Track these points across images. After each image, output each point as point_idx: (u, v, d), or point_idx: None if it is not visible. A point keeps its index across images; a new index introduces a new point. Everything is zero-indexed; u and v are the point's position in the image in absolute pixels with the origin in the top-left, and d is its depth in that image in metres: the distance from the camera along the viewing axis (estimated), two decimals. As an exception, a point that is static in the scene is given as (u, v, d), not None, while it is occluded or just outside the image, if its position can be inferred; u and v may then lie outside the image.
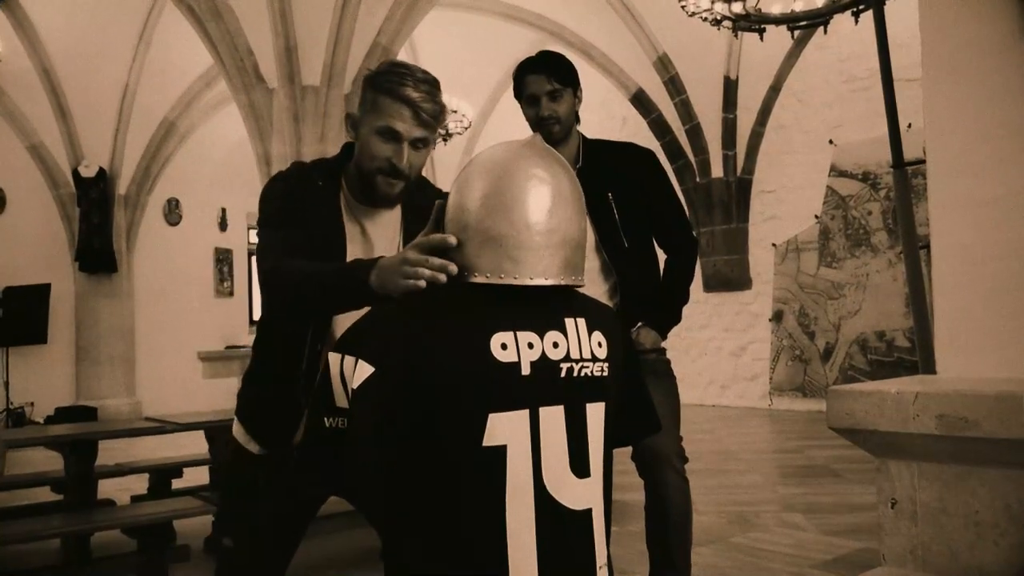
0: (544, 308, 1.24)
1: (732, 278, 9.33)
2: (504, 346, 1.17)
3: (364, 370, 1.14)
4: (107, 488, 4.59)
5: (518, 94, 2.34)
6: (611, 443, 1.30)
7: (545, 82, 2.26)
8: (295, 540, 1.79)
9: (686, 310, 2.40)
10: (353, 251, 1.69)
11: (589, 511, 1.22)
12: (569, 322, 1.24)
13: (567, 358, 1.21)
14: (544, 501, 1.17)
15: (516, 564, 1.14)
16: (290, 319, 1.64)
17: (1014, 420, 1.56)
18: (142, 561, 3.24)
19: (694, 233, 2.44)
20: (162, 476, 4.35)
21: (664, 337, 2.33)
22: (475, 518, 1.14)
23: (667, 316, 2.32)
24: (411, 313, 1.21)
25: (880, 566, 1.80)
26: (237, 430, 1.81)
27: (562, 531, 1.18)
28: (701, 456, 5.68)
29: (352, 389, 1.14)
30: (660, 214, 2.37)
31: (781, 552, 3.55)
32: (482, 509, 1.14)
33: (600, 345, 1.26)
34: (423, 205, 1.71)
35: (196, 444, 4.31)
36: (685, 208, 2.45)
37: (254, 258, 1.82)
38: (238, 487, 1.80)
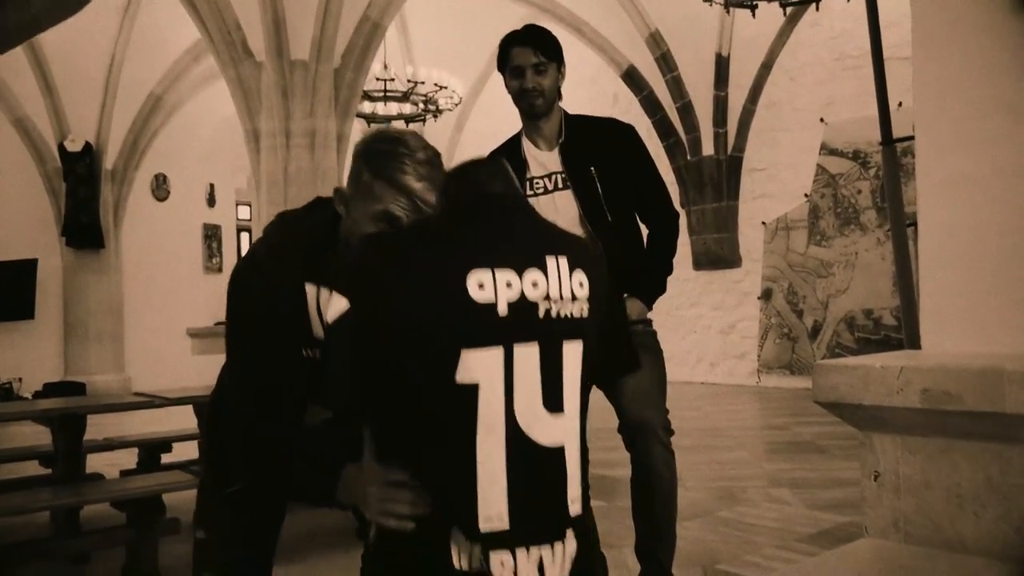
0: (525, 244, 1.23)
1: (722, 256, 9.36)
2: (481, 285, 1.16)
3: (339, 303, 1.14)
4: (96, 463, 4.58)
5: (502, 66, 2.35)
6: (589, 381, 1.29)
7: (531, 55, 2.28)
8: (269, 543, 1.71)
9: (676, 287, 2.42)
10: None
11: (562, 448, 1.22)
12: (550, 260, 1.22)
13: (546, 298, 1.20)
14: (516, 437, 1.17)
15: (486, 498, 1.15)
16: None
17: (996, 394, 1.58)
18: (131, 534, 3.25)
19: (676, 206, 2.46)
20: (151, 451, 4.35)
21: (650, 308, 2.35)
22: (446, 453, 1.15)
23: (652, 286, 2.34)
24: (388, 248, 1.20)
25: (863, 538, 1.82)
26: None
27: (534, 467, 1.19)
28: (689, 432, 5.73)
29: (327, 322, 1.14)
30: (642, 188, 2.40)
31: (767, 526, 3.59)
32: (453, 444, 1.15)
33: (581, 285, 1.25)
34: None
35: (185, 419, 4.30)
36: (666, 182, 2.46)
37: (244, 238, 1.71)
38: (213, 476, 1.72)
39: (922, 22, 1.97)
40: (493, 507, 1.15)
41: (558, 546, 1.19)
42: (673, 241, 2.41)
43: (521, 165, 2.34)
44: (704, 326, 9.55)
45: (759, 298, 8.95)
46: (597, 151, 2.32)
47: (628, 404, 2.18)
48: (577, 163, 2.30)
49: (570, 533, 1.21)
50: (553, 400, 1.22)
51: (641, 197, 2.39)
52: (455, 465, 1.15)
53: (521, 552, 1.15)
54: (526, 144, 2.38)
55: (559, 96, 2.37)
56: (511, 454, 1.16)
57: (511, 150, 2.40)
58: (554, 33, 2.39)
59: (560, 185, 2.32)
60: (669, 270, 2.38)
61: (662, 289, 2.35)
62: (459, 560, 1.14)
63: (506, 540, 1.15)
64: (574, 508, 1.23)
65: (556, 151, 2.34)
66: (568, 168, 2.31)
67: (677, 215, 2.44)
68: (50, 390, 9.05)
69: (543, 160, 2.35)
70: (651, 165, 2.41)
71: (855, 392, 1.77)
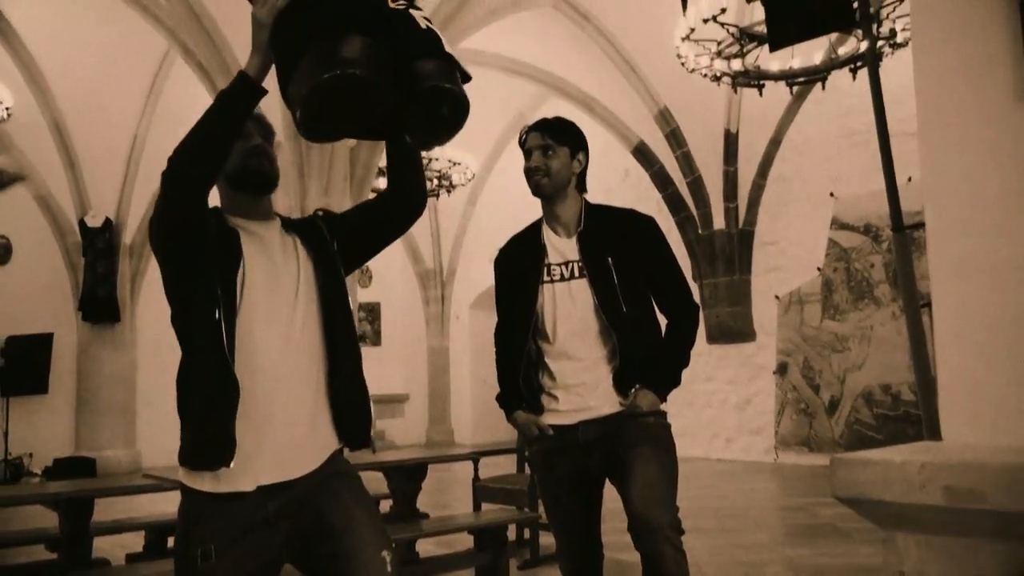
0: None
1: (735, 330, 9.31)
2: None
3: None
4: (103, 544, 4.52)
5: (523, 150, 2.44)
6: None
7: (539, 138, 2.40)
8: None
9: (691, 359, 2.40)
10: (252, 249, 1.81)
11: None
12: None
13: None
14: None
15: None
16: (201, 177, 1.70)
17: (1022, 492, 1.53)
18: (135, 624, 3.17)
19: (695, 299, 2.46)
20: (158, 534, 4.29)
21: (663, 399, 2.32)
22: None
23: (665, 378, 2.32)
24: None
25: (889, 641, 1.74)
26: (185, 475, 1.78)
27: None
28: (706, 513, 5.59)
29: None
30: (660, 281, 2.40)
31: (788, 616, 3.46)
32: None
33: None
34: (298, 222, 1.96)
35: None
36: (685, 275, 2.48)
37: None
38: (191, 551, 1.72)
39: (928, 111, 1.99)
40: None
41: None
42: (691, 334, 2.41)
43: (540, 250, 2.38)
44: (719, 401, 9.43)
45: (774, 372, 8.86)
46: (615, 242, 2.35)
47: (635, 500, 2.13)
48: (594, 252, 2.33)
49: None
50: None
51: (659, 289, 2.41)
52: None
53: None
54: (546, 230, 2.42)
55: (579, 185, 2.42)
56: None
57: (532, 235, 2.44)
58: (567, 112, 2.45)
59: (577, 274, 2.33)
60: (685, 363, 2.36)
61: (676, 381, 2.33)
62: None
63: None
64: None
65: (575, 239, 2.37)
66: (585, 257, 2.33)
67: (696, 307, 2.44)
68: (60, 466, 8.98)
69: (561, 247, 2.38)
70: (670, 258, 2.43)
71: (875, 489, 1.72)
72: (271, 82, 1.74)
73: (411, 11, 1.72)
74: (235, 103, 1.71)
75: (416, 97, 1.67)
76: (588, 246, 2.34)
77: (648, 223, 2.43)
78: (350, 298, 2.00)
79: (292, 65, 1.64)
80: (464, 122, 1.76)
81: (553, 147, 2.36)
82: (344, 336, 1.86)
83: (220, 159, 1.72)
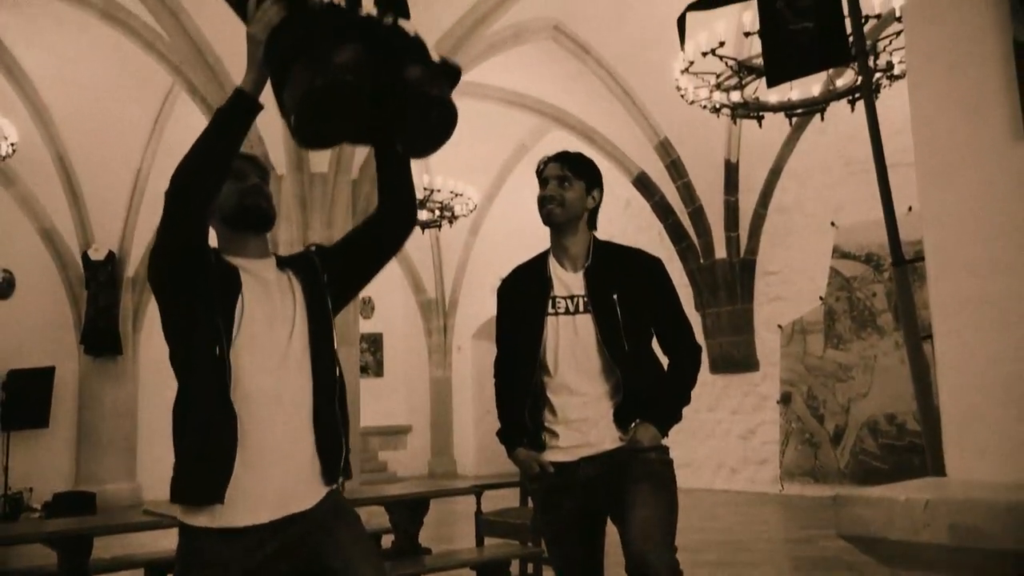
0: None
1: (739, 359, 9.27)
2: None
3: None
4: (101, 582, 4.47)
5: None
6: None
7: (558, 168, 2.42)
8: None
9: (693, 391, 2.40)
10: (250, 285, 1.84)
11: None
12: None
13: None
14: None
15: None
16: (203, 192, 1.72)
17: (1028, 532, 1.51)
18: (132, 665, 3.13)
19: (698, 339, 2.47)
20: (157, 572, 4.24)
21: (664, 435, 2.31)
22: None
23: (667, 414, 2.31)
24: None
25: None
26: (182, 512, 1.77)
27: None
28: (711, 546, 5.53)
29: None
30: (663, 322, 2.42)
31: (796, 654, 3.41)
32: None
33: None
34: (292, 258, 1.99)
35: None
36: (688, 314, 2.50)
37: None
38: None
39: (925, 148, 2.00)
40: None
41: None
42: (693, 374, 2.42)
43: (546, 283, 2.38)
44: (723, 431, 9.37)
45: (778, 402, 8.81)
46: (621, 280, 2.36)
47: (632, 541, 2.12)
48: (600, 289, 2.34)
49: None
50: None
51: (662, 329, 2.42)
52: None
53: None
54: (552, 263, 2.43)
55: (590, 221, 2.44)
56: None
57: (538, 266, 2.45)
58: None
59: (581, 308, 2.34)
60: (686, 401, 2.37)
61: (677, 417, 2.33)
62: None
63: None
64: None
65: (581, 274, 2.38)
66: (591, 293, 2.34)
67: (699, 349, 2.45)
68: (60, 501, 8.90)
69: (567, 281, 2.38)
70: (674, 299, 2.45)
71: (879, 527, 1.70)
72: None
73: (400, 23, 1.76)
74: (232, 118, 1.74)
75: (405, 104, 1.72)
76: (594, 282, 2.35)
77: (655, 263, 2.44)
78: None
79: (286, 76, 1.69)
80: (453, 128, 1.79)
81: (570, 179, 2.38)
82: (329, 372, 1.88)
83: (220, 175, 1.75)
